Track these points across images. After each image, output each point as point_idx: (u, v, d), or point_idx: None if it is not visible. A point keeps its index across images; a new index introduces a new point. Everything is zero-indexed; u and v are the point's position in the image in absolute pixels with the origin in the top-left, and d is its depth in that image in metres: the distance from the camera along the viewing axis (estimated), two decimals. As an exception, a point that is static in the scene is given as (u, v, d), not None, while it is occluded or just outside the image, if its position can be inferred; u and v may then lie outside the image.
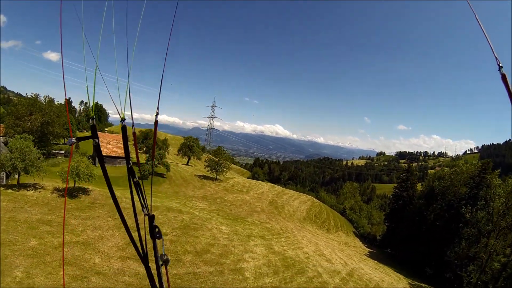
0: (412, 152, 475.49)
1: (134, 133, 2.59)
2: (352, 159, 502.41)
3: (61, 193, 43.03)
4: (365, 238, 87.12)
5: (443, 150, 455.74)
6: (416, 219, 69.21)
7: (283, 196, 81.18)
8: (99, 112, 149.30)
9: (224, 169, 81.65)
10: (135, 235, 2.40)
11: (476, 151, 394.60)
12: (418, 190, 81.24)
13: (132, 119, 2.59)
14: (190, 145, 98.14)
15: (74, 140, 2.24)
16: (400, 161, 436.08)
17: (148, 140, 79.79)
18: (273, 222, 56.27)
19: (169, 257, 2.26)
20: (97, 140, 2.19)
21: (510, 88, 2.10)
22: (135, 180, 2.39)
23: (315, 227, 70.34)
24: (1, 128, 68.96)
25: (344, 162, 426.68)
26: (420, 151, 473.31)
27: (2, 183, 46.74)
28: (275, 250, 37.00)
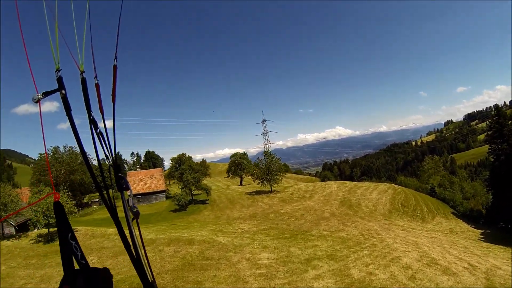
0: (481, 110, 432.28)
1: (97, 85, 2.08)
2: (420, 137, 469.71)
3: (40, 238, 37.53)
4: (468, 217, 66.49)
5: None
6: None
7: (357, 190, 63.87)
8: (153, 159, 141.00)
9: (277, 177, 66.22)
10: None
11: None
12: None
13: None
14: (238, 163, 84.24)
15: (39, 95, 1.82)
16: (471, 123, 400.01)
17: (182, 166, 67.50)
18: (349, 227, 39.67)
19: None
20: (64, 92, 1.85)
21: None
22: (97, 131, 2.03)
23: (406, 219, 52.48)
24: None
25: (413, 143, 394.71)
26: (490, 106, 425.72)
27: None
28: (354, 277, 20.77)
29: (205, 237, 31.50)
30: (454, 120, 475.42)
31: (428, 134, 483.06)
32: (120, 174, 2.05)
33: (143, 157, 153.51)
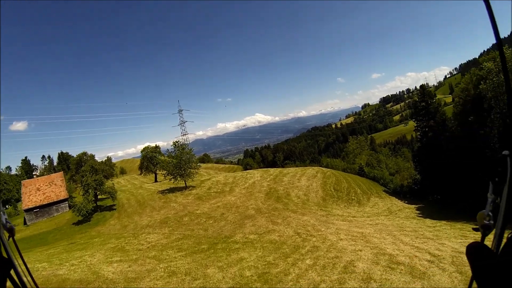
0: (395, 94, 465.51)
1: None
2: (340, 120, 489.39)
3: None
4: (399, 193, 66.39)
5: (424, 83, 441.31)
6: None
7: (283, 178, 57.95)
8: (67, 161, 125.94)
9: (191, 170, 58.07)
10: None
11: (456, 72, 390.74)
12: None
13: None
14: (150, 157, 74.73)
15: None
16: (387, 105, 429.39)
17: (82, 167, 57.43)
18: (280, 225, 32.97)
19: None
20: None
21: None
22: None
23: (342, 205, 47.53)
24: None
25: (333, 125, 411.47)
26: (402, 90, 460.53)
27: None
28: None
29: (89, 270, 22.70)
30: (370, 103, 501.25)
31: (347, 116, 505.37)
32: None
33: (56, 160, 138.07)
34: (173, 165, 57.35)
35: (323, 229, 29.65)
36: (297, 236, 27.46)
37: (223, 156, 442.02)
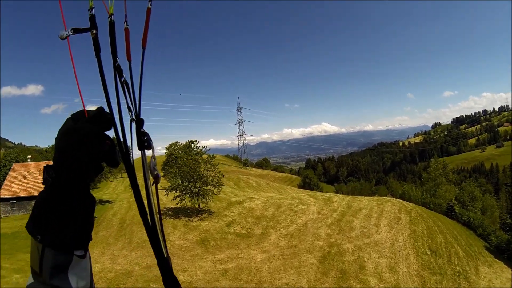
0: (470, 115, 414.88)
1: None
2: (407, 138, 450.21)
3: None
4: (504, 251, 42.36)
5: (503, 104, 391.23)
6: None
7: (353, 221, 35.65)
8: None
9: (206, 188, 37.99)
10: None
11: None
12: None
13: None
14: (176, 157, 57.02)
15: (68, 32, 1.46)
16: (460, 127, 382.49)
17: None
18: None
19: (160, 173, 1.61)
20: (95, 31, 1.51)
21: None
22: (122, 79, 1.61)
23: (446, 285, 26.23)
24: None
25: (401, 143, 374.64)
26: (478, 111, 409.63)
27: None
28: None
29: None
30: (442, 122, 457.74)
31: (415, 135, 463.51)
32: (143, 130, 1.60)
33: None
34: (183, 176, 37.66)
35: None
36: None
37: (286, 162, 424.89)
